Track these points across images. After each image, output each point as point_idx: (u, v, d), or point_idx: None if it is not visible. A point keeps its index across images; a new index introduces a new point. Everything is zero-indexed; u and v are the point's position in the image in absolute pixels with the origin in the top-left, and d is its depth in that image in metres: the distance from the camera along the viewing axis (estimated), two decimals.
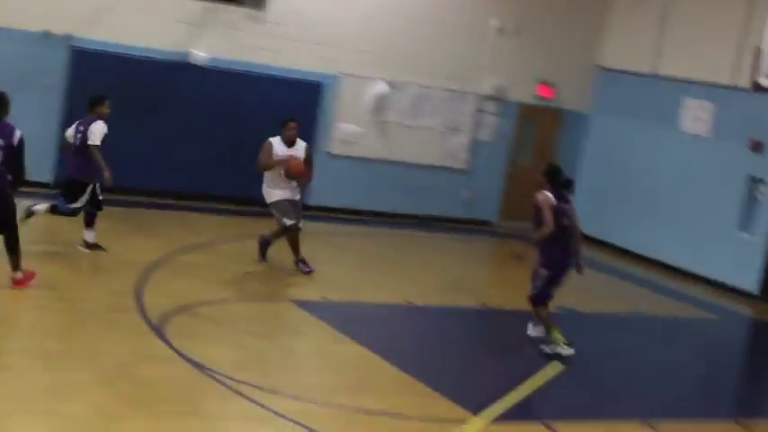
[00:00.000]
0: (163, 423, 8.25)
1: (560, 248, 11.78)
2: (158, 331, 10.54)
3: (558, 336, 11.84)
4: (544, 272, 11.83)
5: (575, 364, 11.81)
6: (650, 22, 19.97)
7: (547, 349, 11.86)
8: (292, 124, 14.15)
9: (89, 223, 13.39)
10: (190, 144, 17.94)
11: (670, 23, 19.62)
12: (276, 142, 14.01)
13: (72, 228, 13.52)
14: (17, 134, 11.27)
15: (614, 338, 14.00)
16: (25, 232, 11.74)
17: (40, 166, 16.61)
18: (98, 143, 13.15)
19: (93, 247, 13.37)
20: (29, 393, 8.43)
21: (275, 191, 14.07)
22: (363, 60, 19.21)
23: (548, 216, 11.53)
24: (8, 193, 11.10)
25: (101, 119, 13.36)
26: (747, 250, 17.78)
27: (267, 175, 14.16)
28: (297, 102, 18.36)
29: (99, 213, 13.45)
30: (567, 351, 11.75)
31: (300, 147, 14.27)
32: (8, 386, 8.54)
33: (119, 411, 8.35)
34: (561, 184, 12.00)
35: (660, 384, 12.17)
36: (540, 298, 11.84)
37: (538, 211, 11.69)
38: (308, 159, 14.53)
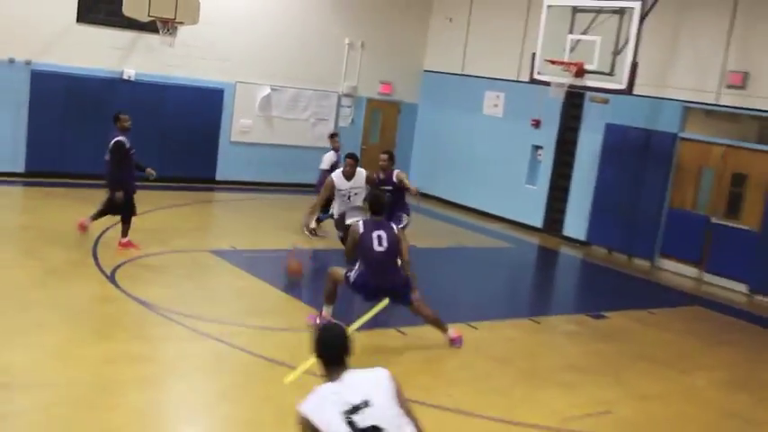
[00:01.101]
0: (119, 345, 8.25)
1: None
2: (111, 279, 10.48)
3: None
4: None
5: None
6: (458, 36, 20.30)
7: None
8: (350, 161, 11.84)
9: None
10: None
11: (472, 36, 19.97)
12: (336, 177, 11.66)
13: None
14: None
15: (441, 265, 14.29)
16: None
17: (14, 160, 16.55)
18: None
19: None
20: (10, 330, 8.34)
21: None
22: (252, 71, 19.18)
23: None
24: None
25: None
26: (533, 197, 18.27)
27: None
28: (204, 104, 18.42)
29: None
30: None
31: (361, 176, 11.79)
32: None
33: (84, 339, 8.33)
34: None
35: (476, 295, 12.53)
36: None
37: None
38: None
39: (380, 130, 21.46)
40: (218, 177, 18.93)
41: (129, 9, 15.92)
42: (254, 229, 14.98)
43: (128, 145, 12.07)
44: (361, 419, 4.17)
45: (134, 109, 17.44)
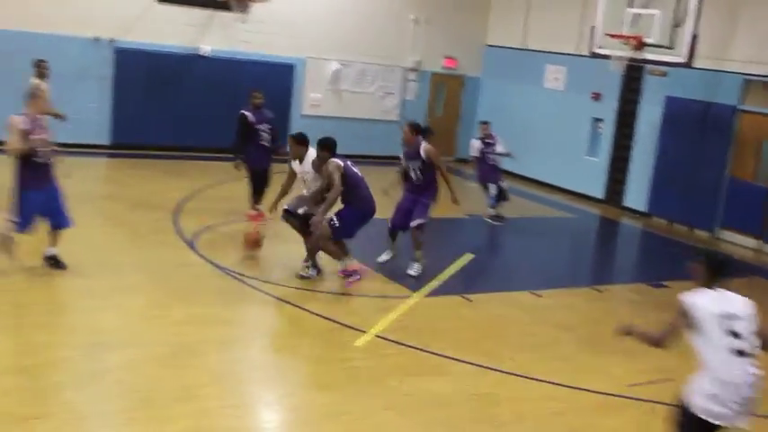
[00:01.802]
0: (199, 308, 8.34)
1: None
2: (191, 245, 10.59)
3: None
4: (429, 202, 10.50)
5: (481, 255, 11.97)
6: (520, 11, 19.95)
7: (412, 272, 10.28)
8: (292, 142, 10.36)
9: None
10: (202, 111, 17.85)
11: (533, 11, 19.61)
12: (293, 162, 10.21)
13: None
14: None
15: (505, 234, 14.17)
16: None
17: (100, 132, 16.85)
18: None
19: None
20: (102, 293, 8.49)
21: None
22: (322, 47, 19.17)
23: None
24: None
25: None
26: (594, 169, 17.98)
27: None
28: (276, 79, 18.37)
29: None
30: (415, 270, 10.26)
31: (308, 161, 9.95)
32: (88, 288, 8.59)
33: (167, 302, 8.44)
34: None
35: (540, 264, 12.39)
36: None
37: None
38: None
39: (444, 104, 21.30)
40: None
41: None
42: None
43: (251, 118, 12.08)
44: (730, 325, 4.86)
45: (209, 84, 17.87)
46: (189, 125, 17.79)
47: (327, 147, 9.58)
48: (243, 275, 9.50)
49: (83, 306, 8.19)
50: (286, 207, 9.91)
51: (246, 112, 12.12)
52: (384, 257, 10.68)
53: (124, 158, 16.46)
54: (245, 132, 12.04)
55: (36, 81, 12.28)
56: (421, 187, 10.43)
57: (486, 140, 14.60)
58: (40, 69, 12.84)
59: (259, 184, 12.24)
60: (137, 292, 8.64)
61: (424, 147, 10.34)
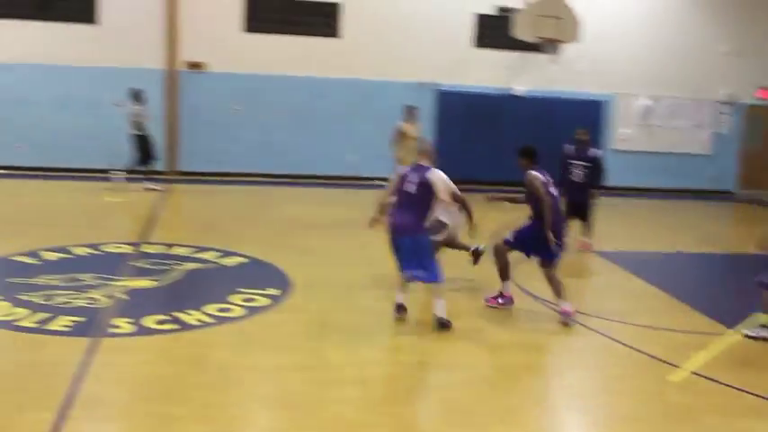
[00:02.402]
0: (515, 334, 8.40)
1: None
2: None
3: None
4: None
5: None
6: None
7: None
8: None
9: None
10: (517, 147, 18.12)
11: None
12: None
13: None
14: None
15: None
16: None
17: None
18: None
19: None
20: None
21: None
22: (631, 83, 18.81)
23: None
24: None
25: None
26: None
27: None
28: (586, 115, 18.22)
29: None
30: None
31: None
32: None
33: (485, 326, 8.57)
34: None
35: None
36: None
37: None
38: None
39: (763, 136, 19.91)
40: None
41: (518, 32, 16.37)
42: (633, 232, 14.58)
43: (568, 152, 12.46)
44: None
45: (523, 122, 18.13)
46: (506, 160, 18.13)
47: (527, 154, 9.09)
48: (556, 305, 9.48)
49: (406, 327, 8.58)
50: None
51: (567, 146, 12.43)
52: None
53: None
54: (562, 165, 12.30)
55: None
56: None
57: None
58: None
59: (575, 216, 12.25)
60: (456, 315, 8.90)
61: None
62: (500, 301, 9.11)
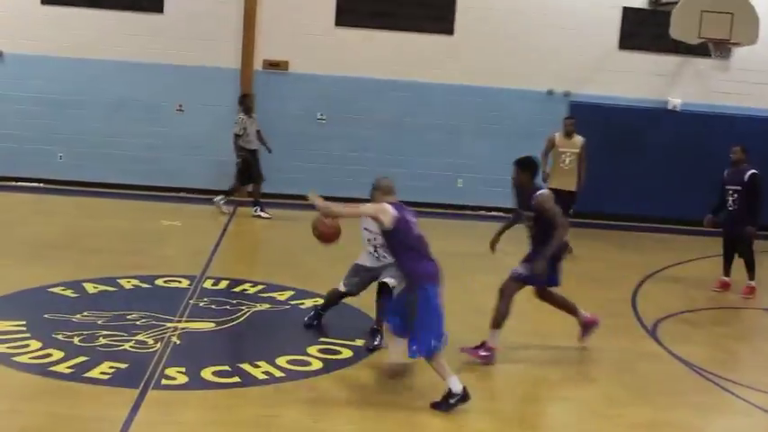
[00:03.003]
0: (659, 412, 8.18)
1: None
2: (652, 333, 10.48)
3: None
4: None
5: None
6: None
7: None
8: None
9: None
10: (668, 174, 17.88)
11: None
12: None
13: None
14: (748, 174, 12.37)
15: None
16: None
17: None
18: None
19: None
20: (546, 383, 8.69)
21: None
22: None
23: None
24: None
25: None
26: None
27: None
28: (762, 135, 17.69)
29: None
30: None
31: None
32: (534, 375, 8.84)
33: (623, 398, 8.40)
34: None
35: None
36: None
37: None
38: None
39: None
40: None
41: (677, 31, 16.06)
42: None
43: (724, 177, 12.74)
44: None
45: (678, 143, 17.78)
46: (651, 191, 17.83)
47: (529, 167, 8.83)
48: (716, 375, 9.18)
49: (526, 394, 8.46)
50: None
51: (727, 171, 12.63)
52: None
53: (576, 228, 16.78)
54: (721, 193, 12.61)
55: None
56: None
57: None
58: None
59: (729, 252, 12.71)
60: (590, 383, 8.74)
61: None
62: (482, 353, 8.76)
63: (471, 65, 17.72)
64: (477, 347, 8.72)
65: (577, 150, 14.84)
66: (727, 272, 12.82)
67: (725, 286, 12.78)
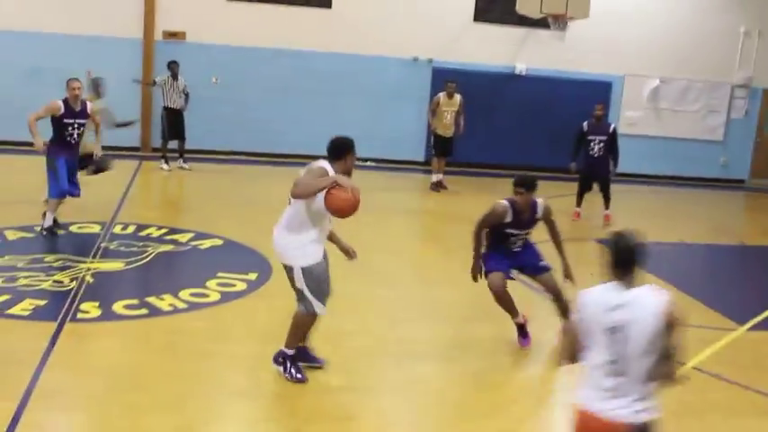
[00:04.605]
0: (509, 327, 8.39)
1: None
2: None
3: None
4: None
5: None
6: None
7: None
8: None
9: None
10: (517, 129, 18.28)
11: None
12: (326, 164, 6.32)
13: None
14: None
15: None
16: None
17: (416, 149, 17.72)
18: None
19: None
20: (413, 305, 8.82)
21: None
22: (641, 64, 18.80)
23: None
24: None
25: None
26: None
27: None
28: (592, 97, 18.10)
29: None
30: None
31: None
32: (398, 299, 8.97)
33: (478, 316, 8.58)
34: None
35: None
36: None
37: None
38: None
39: None
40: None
41: (522, 7, 16.33)
42: (642, 220, 14.37)
43: (585, 129, 13.59)
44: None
45: (524, 102, 18.14)
46: (503, 143, 18.20)
47: (533, 186, 7.48)
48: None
49: (394, 317, 8.60)
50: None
51: (585, 124, 13.58)
52: None
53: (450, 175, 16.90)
54: (579, 142, 13.63)
55: None
56: None
57: None
58: None
59: (584, 190, 13.81)
60: (448, 305, 8.93)
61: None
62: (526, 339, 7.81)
63: (347, 35, 17.64)
64: (524, 336, 7.72)
65: (456, 108, 15.46)
66: (579, 204, 13.80)
67: (578, 216, 13.76)
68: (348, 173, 6.23)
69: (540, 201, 7.58)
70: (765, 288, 10.85)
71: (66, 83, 10.38)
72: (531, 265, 7.73)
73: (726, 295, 10.29)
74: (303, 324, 6.48)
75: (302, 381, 6.48)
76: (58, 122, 10.17)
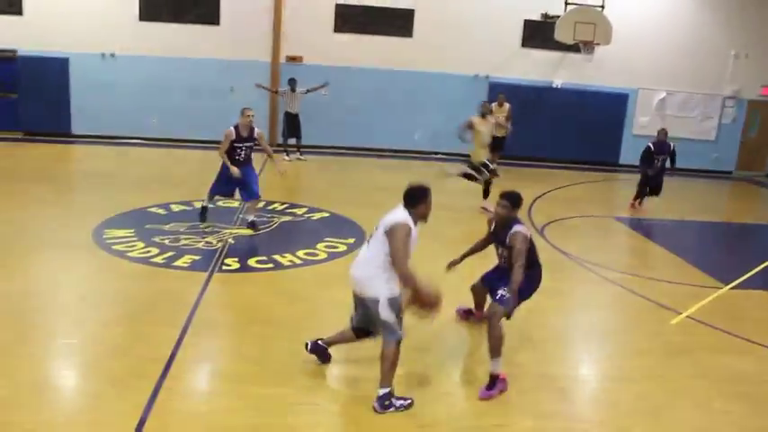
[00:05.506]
0: (545, 282, 8.06)
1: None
2: (541, 233, 10.60)
3: None
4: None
5: None
6: None
7: None
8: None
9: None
10: (555, 131, 17.91)
11: None
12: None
13: None
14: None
15: None
16: None
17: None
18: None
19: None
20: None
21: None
22: (651, 79, 18.19)
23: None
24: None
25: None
26: None
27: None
28: (613, 106, 17.88)
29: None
30: None
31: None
32: None
33: None
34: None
35: None
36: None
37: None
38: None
39: (760, 127, 19.15)
40: (621, 161, 18.29)
41: (559, 35, 16.01)
42: (651, 203, 14.08)
43: (654, 148, 13.06)
44: None
45: (559, 109, 17.75)
46: (542, 141, 17.90)
47: (518, 202, 6.04)
48: (580, 259, 9.35)
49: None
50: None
51: (651, 144, 13.03)
52: None
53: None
54: (646, 159, 12.96)
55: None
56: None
57: None
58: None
59: (644, 191, 13.17)
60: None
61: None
62: (499, 389, 5.63)
63: (423, 57, 17.48)
64: (489, 388, 5.57)
65: (506, 113, 14.96)
66: (636, 198, 13.17)
67: (633, 207, 13.12)
68: (424, 217, 5.28)
69: (517, 227, 5.82)
70: (745, 255, 10.49)
71: (240, 111, 9.34)
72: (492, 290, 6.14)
73: (715, 261, 10.02)
74: (395, 355, 5.21)
75: (411, 403, 5.30)
76: (230, 145, 9.37)
